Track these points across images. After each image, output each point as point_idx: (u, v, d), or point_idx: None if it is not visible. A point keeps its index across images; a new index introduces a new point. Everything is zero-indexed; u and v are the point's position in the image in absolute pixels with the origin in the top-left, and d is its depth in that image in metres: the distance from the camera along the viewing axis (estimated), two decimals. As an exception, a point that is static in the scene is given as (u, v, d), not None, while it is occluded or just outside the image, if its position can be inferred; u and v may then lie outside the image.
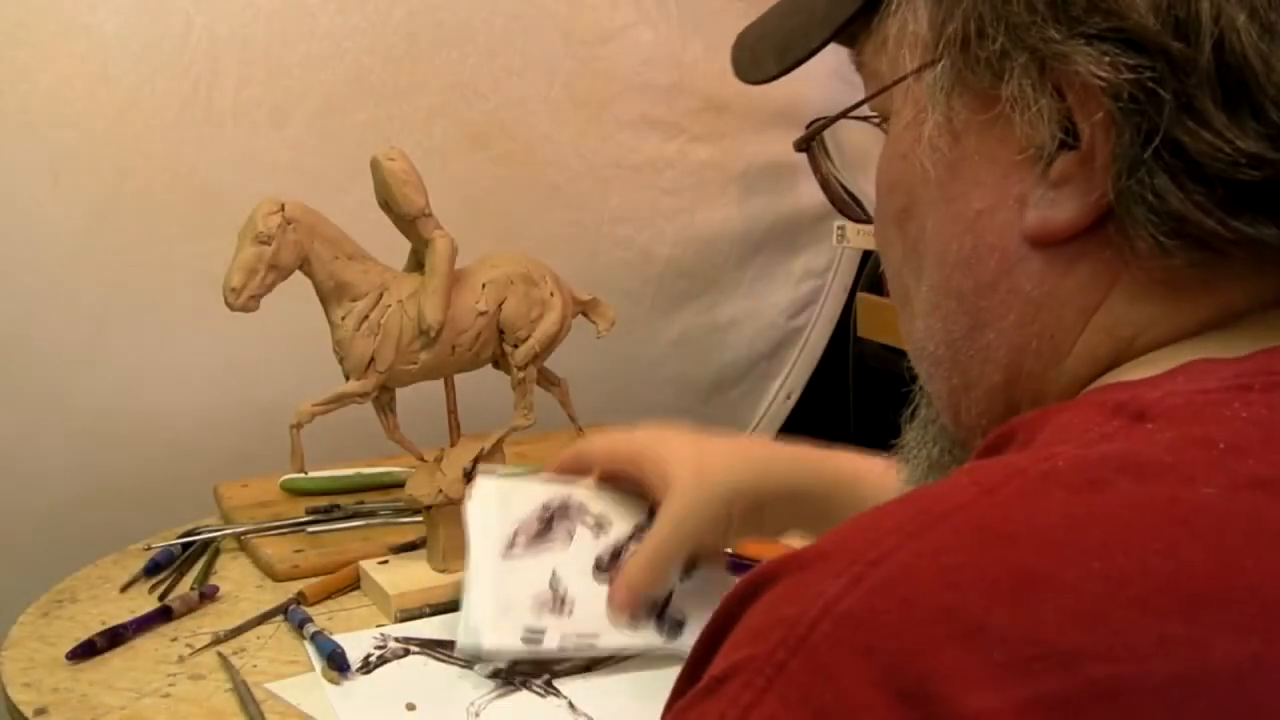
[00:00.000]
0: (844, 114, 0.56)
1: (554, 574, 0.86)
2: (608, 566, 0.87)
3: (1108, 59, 0.42)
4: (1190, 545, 0.36)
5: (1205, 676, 0.35)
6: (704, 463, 0.84)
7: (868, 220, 0.59)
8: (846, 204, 0.61)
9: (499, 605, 0.84)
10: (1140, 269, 0.46)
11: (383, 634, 0.94)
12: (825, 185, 0.61)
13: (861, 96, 0.55)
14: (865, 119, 0.56)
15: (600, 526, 0.89)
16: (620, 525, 0.89)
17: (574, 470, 0.91)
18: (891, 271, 0.55)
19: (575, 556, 0.88)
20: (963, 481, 0.40)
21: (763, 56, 0.60)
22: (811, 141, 0.60)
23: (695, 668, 0.40)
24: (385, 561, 1.03)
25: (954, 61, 0.47)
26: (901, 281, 0.54)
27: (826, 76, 1.71)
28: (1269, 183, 0.43)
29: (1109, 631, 0.35)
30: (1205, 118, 0.42)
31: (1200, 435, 0.40)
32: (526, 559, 0.87)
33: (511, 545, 0.87)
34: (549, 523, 0.89)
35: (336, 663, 0.88)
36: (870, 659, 0.35)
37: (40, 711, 0.85)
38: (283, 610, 0.98)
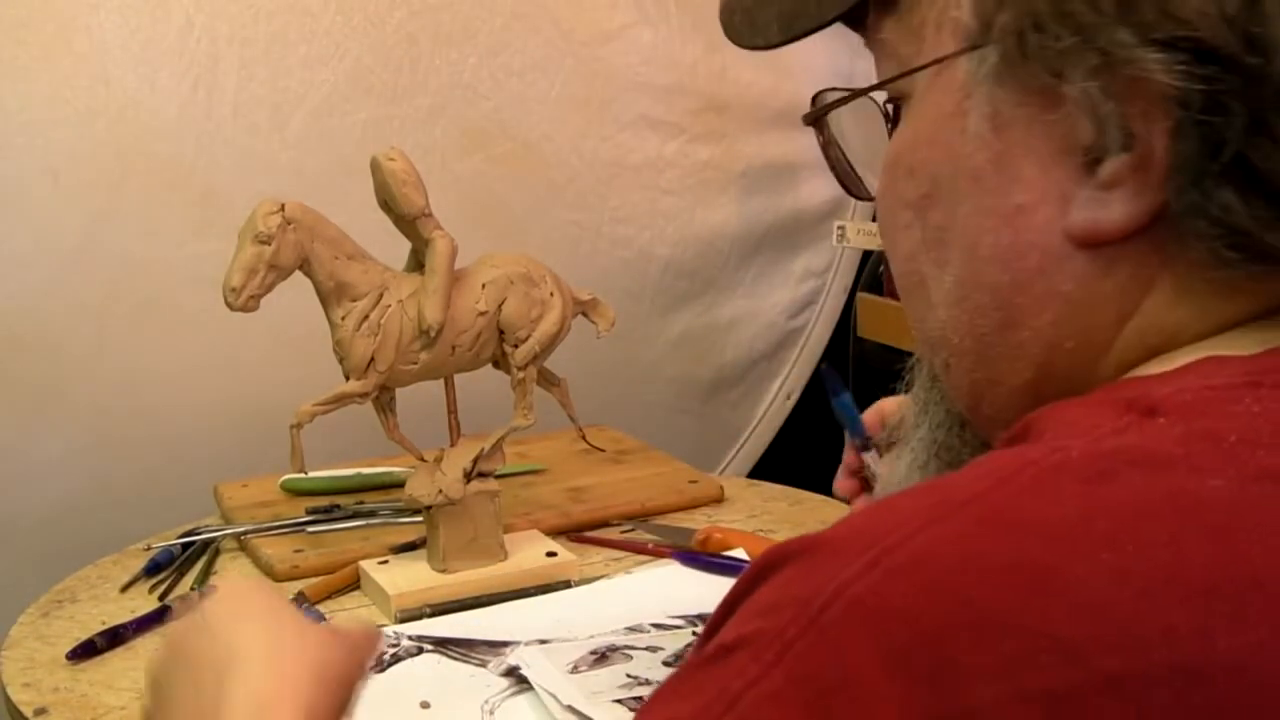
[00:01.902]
0: (862, 92, 0.54)
1: (626, 675, 0.87)
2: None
3: (1180, 67, 0.42)
4: (1197, 537, 0.37)
5: (1209, 667, 0.35)
6: None
7: (871, 198, 0.58)
8: (853, 180, 0.60)
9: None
10: (1183, 275, 0.46)
11: (395, 632, 0.94)
12: (832, 163, 0.60)
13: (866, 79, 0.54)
14: (857, 97, 0.55)
15: (653, 650, 0.90)
16: (674, 645, 0.91)
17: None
18: (903, 255, 0.53)
19: (642, 665, 0.88)
20: (979, 472, 0.40)
21: (764, 22, 0.57)
22: (822, 117, 0.59)
23: (709, 634, 0.41)
24: (385, 561, 1.03)
25: (1006, 52, 0.46)
26: (916, 267, 0.52)
27: (827, 76, 1.71)
28: None
29: (1115, 624, 0.35)
30: (1275, 133, 0.42)
31: (1210, 429, 0.40)
32: (594, 672, 0.87)
33: (575, 669, 0.87)
34: (603, 656, 0.89)
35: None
36: (880, 642, 0.35)
37: (40, 711, 0.85)
38: (283, 610, 0.98)
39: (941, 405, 0.57)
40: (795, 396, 1.79)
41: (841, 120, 0.58)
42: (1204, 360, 0.45)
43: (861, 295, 1.62)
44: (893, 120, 0.54)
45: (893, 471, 0.61)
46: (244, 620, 0.56)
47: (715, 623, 0.41)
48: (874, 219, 1.67)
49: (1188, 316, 0.46)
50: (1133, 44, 0.42)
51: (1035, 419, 0.44)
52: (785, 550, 0.40)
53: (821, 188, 1.73)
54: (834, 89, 0.58)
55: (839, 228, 1.52)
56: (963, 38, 0.47)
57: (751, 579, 0.40)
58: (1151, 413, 0.41)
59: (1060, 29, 0.44)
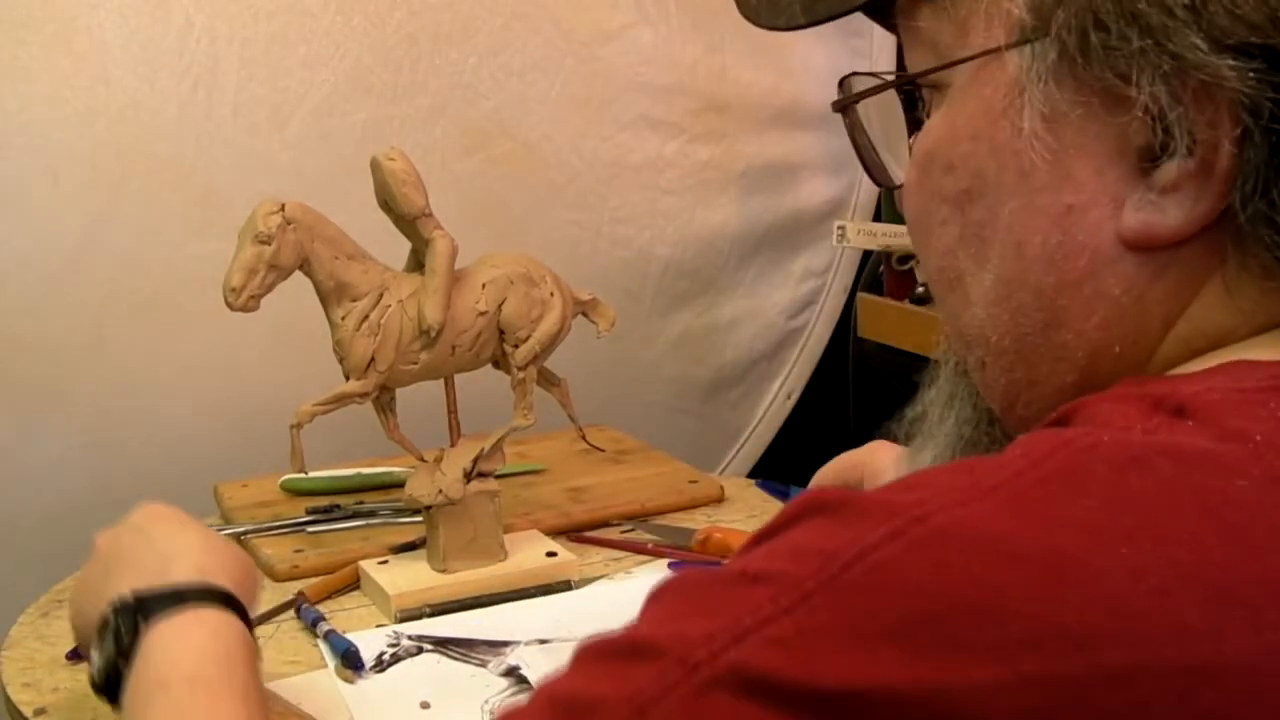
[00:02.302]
0: (898, 81, 0.54)
1: None
2: None
3: (1252, 74, 0.42)
4: (1217, 537, 0.37)
5: (1218, 668, 0.35)
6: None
7: (894, 186, 0.57)
8: (881, 169, 0.59)
9: None
10: (1235, 281, 0.45)
11: (395, 632, 0.94)
12: (860, 150, 0.59)
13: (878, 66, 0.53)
14: (898, 85, 0.54)
15: None
16: None
17: None
18: (938, 250, 0.52)
19: None
20: (1013, 455, 0.40)
21: (786, 3, 0.56)
22: (852, 105, 0.58)
23: (743, 550, 0.42)
24: (385, 561, 1.03)
25: (1064, 49, 0.45)
26: (954, 263, 0.51)
27: (827, 76, 1.71)
28: None
29: (1127, 619, 0.35)
30: None
31: (1236, 429, 0.40)
32: None
33: None
34: None
35: (351, 661, 0.88)
36: (891, 611, 0.36)
37: (40, 711, 0.85)
38: (283, 610, 0.98)
39: (969, 401, 0.56)
40: (795, 396, 1.79)
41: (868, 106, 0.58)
42: (1234, 363, 0.45)
43: (861, 295, 1.62)
44: (911, 107, 0.53)
45: (915, 465, 0.61)
46: (171, 523, 0.76)
47: (752, 541, 0.42)
48: (877, 218, 1.67)
49: (1233, 321, 0.46)
50: (1205, 50, 0.42)
51: (1072, 409, 0.44)
52: (825, 499, 0.41)
53: (822, 188, 1.73)
54: (859, 73, 0.57)
55: (839, 228, 1.52)
56: (1015, 31, 0.46)
57: (790, 518, 0.41)
58: (1179, 412, 0.41)
59: (1128, 30, 0.43)
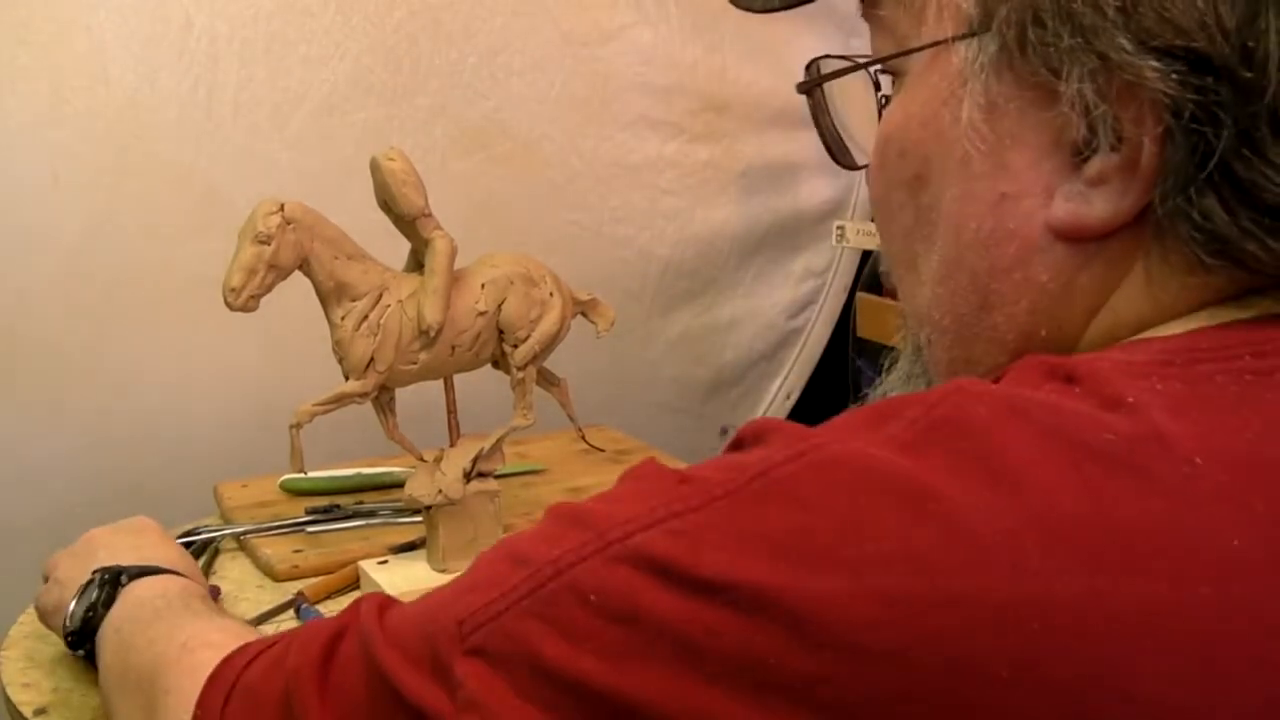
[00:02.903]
0: (857, 66, 0.56)
1: None
2: None
3: (1175, 76, 0.43)
4: (1075, 488, 0.39)
5: (1046, 602, 0.37)
6: None
7: (857, 168, 0.59)
8: (841, 149, 0.62)
9: None
10: (1157, 274, 0.47)
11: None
12: (824, 132, 0.61)
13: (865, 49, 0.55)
14: (857, 69, 0.56)
15: None
16: None
17: None
18: (896, 233, 0.55)
19: None
20: (916, 396, 0.43)
21: None
22: (817, 86, 0.60)
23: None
24: (385, 561, 1.03)
25: (1004, 44, 0.47)
26: (909, 245, 0.54)
27: (826, 76, 1.71)
28: None
29: (972, 551, 0.38)
30: (1261, 147, 0.43)
31: (1115, 395, 0.42)
32: None
33: None
34: None
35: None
36: (771, 520, 0.41)
37: (40, 711, 0.85)
38: (283, 610, 0.98)
39: (924, 377, 0.58)
40: (795, 396, 1.79)
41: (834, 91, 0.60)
42: (1135, 342, 0.47)
43: (861, 295, 1.62)
44: (880, 88, 0.55)
45: None
46: (152, 534, 0.94)
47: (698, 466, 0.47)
48: (872, 219, 1.67)
49: (1151, 311, 0.48)
50: (1131, 50, 0.43)
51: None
52: (765, 425, 0.45)
53: (822, 188, 1.73)
54: (829, 56, 0.59)
55: (839, 228, 1.52)
56: (963, 24, 0.48)
57: (736, 440, 0.46)
58: (1069, 379, 0.43)
59: (1061, 28, 0.45)
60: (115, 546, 0.88)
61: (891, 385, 0.61)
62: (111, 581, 0.81)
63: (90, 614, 0.80)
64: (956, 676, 0.37)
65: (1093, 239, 0.47)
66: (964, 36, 0.48)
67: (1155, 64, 0.43)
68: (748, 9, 0.61)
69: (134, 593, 0.79)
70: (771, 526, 0.40)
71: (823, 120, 0.61)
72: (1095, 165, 0.46)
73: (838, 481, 0.40)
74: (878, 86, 0.55)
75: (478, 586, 0.47)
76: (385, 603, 0.54)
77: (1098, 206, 0.46)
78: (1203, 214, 0.44)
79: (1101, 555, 0.38)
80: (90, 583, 0.81)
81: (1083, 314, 0.49)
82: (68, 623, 0.81)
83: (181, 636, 0.69)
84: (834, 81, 0.59)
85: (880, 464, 0.40)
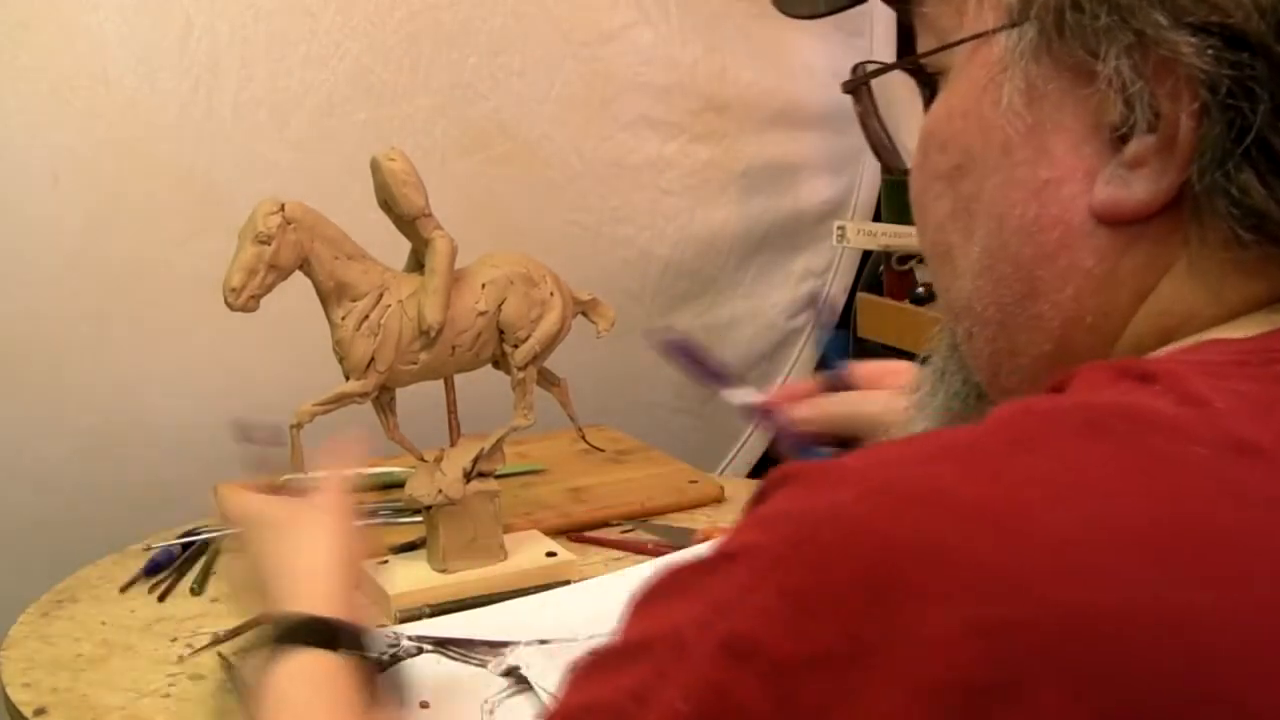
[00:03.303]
0: (899, 64, 0.56)
1: None
2: None
3: (1211, 51, 0.43)
4: (1170, 497, 0.38)
5: (1157, 616, 0.36)
6: None
7: (905, 170, 0.59)
8: (888, 151, 0.62)
9: None
10: (1198, 256, 0.47)
11: (395, 632, 0.94)
12: (868, 131, 0.62)
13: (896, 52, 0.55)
14: (910, 73, 0.56)
15: None
16: None
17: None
18: (932, 226, 0.55)
19: None
20: (984, 420, 0.42)
21: None
22: (863, 86, 0.60)
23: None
24: (385, 561, 1.03)
25: (1043, 29, 0.47)
26: (944, 237, 0.54)
27: (827, 76, 1.72)
28: None
29: (1069, 563, 0.37)
30: None
31: (1196, 394, 0.41)
32: None
33: None
34: None
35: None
36: (855, 564, 0.38)
37: (40, 711, 0.85)
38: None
39: (959, 375, 0.58)
40: (795, 396, 1.78)
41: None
42: (1206, 343, 0.47)
43: (861, 295, 1.62)
44: (925, 93, 0.55)
45: (911, 433, 0.62)
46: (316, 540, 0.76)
47: (727, 536, 0.43)
48: (877, 218, 1.67)
49: (1201, 300, 0.48)
50: (1166, 26, 0.44)
51: (1051, 385, 0.46)
52: (790, 470, 0.42)
53: (822, 188, 1.73)
54: (870, 62, 0.59)
55: (839, 228, 1.51)
56: (1003, 15, 0.49)
57: (759, 494, 0.43)
58: (1145, 378, 0.43)
59: (1098, 7, 0.45)
60: (279, 568, 0.75)
61: (926, 381, 0.61)
62: (273, 644, 0.70)
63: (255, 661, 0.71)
64: (1068, 694, 0.35)
65: (1133, 221, 0.47)
66: (1005, 27, 0.49)
67: (1191, 39, 0.43)
68: (795, 16, 0.61)
69: (289, 671, 0.68)
70: (854, 573, 0.38)
71: (870, 123, 0.62)
72: (1133, 147, 0.46)
73: (909, 513, 0.38)
74: (921, 87, 0.55)
75: None
76: None
77: (1137, 189, 0.46)
78: (1240, 189, 0.44)
79: (1211, 568, 0.37)
80: (262, 631, 0.71)
81: (1129, 300, 0.49)
82: (236, 660, 0.73)
83: None
84: (881, 90, 0.59)
85: (948, 487, 0.39)
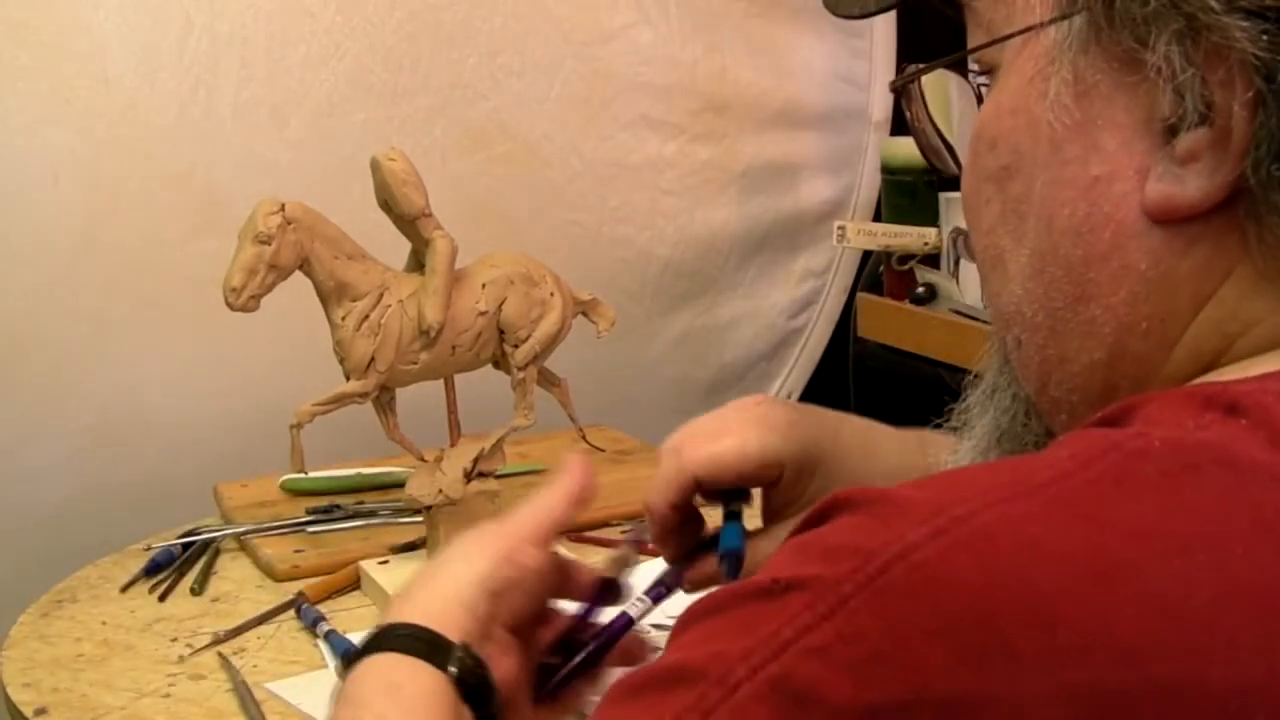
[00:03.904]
0: (946, 61, 0.54)
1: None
2: None
3: (1266, 37, 0.41)
4: (1271, 551, 0.36)
5: (1270, 688, 0.34)
6: None
7: (955, 175, 0.57)
8: (939, 154, 0.59)
9: None
10: (1260, 258, 0.45)
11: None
12: (917, 134, 0.59)
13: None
14: (959, 71, 0.54)
15: (653, 650, 0.79)
16: None
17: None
18: (983, 229, 0.52)
19: None
20: (1060, 454, 0.39)
21: None
22: (909, 84, 0.58)
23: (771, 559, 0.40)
24: (385, 561, 1.03)
25: (1094, 19, 0.45)
26: (995, 241, 0.52)
27: (827, 76, 1.71)
28: None
29: (1179, 632, 0.35)
30: None
31: None
32: None
33: None
34: None
35: (349, 658, 0.88)
36: (934, 614, 0.35)
37: (40, 711, 0.85)
38: (283, 610, 0.98)
39: (1009, 390, 0.56)
40: (795, 397, 1.78)
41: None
42: None
43: (861, 295, 1.62)
44: (976, 92, 0.53)
45: (957, 456, 0.60)
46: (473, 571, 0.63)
47: (780, 551, 0.40)
48: (877, 217, 1.67)
49: (1265, 307, 0.45)
50: (1219, 10, 0.42)
51: (1121, 409, 0.43)
52: (856, 495, 0.39)
53: (822, 188, 1.73)
54: (918, 65, 0.58)
55: (839, 228, 1.51)
56: (1053, 6, 0.47)
57: (819, 515, 0.40)
58: (1232, 410, 0.41)
59: None
60: (431, 591, 0.64)
61: (976, 399, 0.58)
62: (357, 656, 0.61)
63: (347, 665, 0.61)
64: None
65: (1188, 220, 0.45)
66: (1055, 20, 0.47)
67: (1244, 24, 0.41)
68: (846, 16, 0.59)
69: (359, 677, 0.60)
70: (935, 622, 0.35)
71: (920, 125, 0.60)
72: (1186, 142, 0.44)
73: (1002, 559, 0.35)
74: (978, 94, 0.53)
75: None
76: None
77: (1190, 185, 0.44)
78: None
79: None
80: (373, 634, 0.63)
81: (1187, 305, 0.46)
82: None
83: None
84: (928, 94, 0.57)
85: (1047, 533, 0.36)
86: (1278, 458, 0.38)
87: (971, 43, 0.52)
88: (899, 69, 1.58)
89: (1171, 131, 0.44)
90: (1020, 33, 0.48)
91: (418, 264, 0.97)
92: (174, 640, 0.95)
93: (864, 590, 0.36)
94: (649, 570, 0.91)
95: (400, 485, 1.08)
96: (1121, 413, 0.43)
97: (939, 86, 0.58)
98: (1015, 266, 0.50)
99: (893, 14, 1.53)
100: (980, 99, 0.53)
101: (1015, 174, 0.50)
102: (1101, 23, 0.45)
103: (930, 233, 1.42)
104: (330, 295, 0.94)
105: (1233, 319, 0.46)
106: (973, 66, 0.53)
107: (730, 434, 0.67)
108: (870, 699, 0.35)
